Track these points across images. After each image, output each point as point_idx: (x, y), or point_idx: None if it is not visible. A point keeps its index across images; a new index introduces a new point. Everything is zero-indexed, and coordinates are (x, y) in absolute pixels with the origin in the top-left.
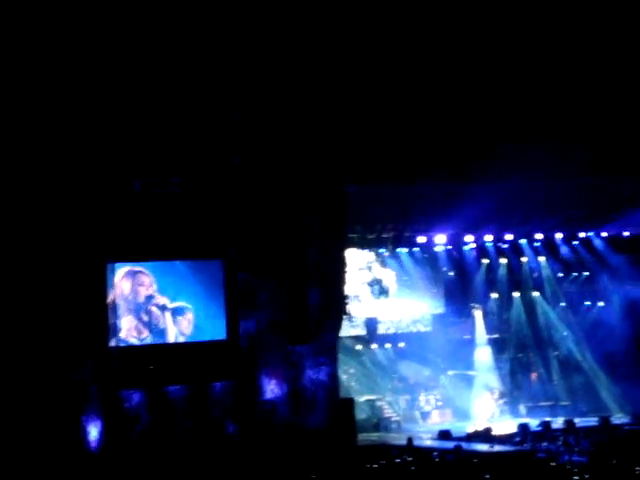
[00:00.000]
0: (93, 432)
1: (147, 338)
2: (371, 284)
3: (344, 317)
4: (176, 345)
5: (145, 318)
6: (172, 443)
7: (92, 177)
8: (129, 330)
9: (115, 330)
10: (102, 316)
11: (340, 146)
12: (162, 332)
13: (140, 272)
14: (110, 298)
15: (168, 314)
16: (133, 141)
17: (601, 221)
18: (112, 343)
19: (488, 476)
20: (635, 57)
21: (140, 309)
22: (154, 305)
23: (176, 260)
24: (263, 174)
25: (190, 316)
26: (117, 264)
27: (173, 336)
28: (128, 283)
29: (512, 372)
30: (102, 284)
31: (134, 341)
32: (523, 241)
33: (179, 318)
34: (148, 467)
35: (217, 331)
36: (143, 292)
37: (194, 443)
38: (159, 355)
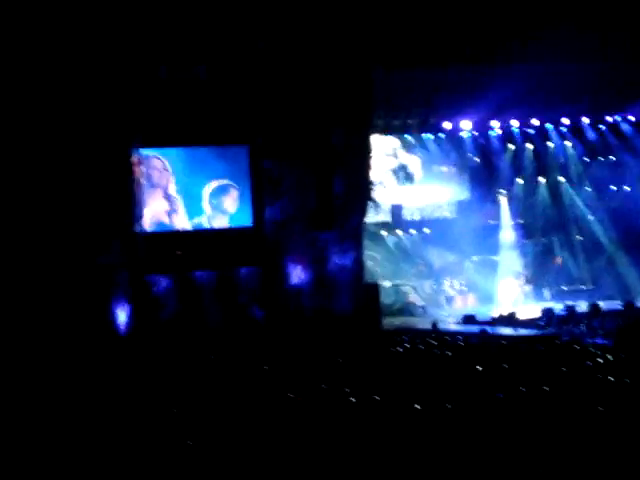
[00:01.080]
0: (121, 316)
1: (173, 224)
2: (396, 170)
3: (369, 203)
4: (202, 231)
5: (172, 204)
6: (199, 328)
7: (117, 63)
8: (154, 215)
9: (140, 215)
10: (128, 201)
11: (366, 30)
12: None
13: (158, 158)
14: (137, 182)
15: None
16: (158, 26)
17: (628, 105)
18: (137, 228)
19: (512, 359)
20: None
21: (167, 195)
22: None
23: (201, 146)
24: (288, 58)
25: (235, 194)
26: (142, 149)
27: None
28: (153, 168)
29: (536, 257)
30: (127, 169)
31: (161, 225)
32: (549, 126)
33: (223, 197)
34: (176, 351)
35: (243, 218)
36: (167, 178)
37: (221, 328)
38: (186, 241)
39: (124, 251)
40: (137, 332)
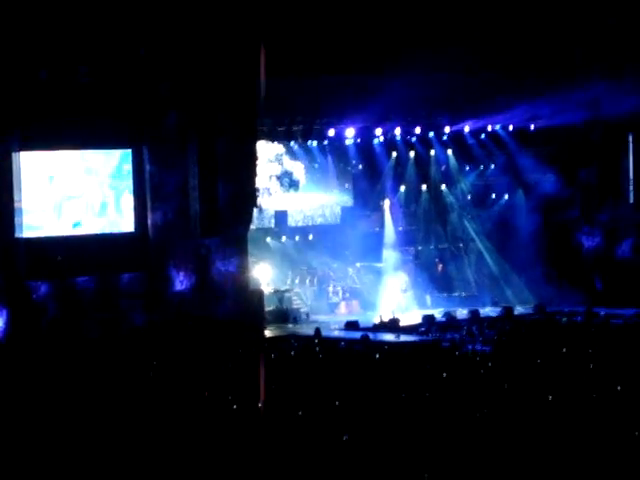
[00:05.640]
0: None
1: (55, 228)
2: (281, 177)
3: (254, 210)
4: (85, 236)
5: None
6: (80, 334)
7: None
8: (37, 219)
9: (22, 218)
10: (8, 205)
11: (251, 37)
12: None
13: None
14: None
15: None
16: (39, 29)
17: (508, 114)
18: (19, 232)
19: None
20: None
21: (51, 198)
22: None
23: (84, 150)
24: (171, 64)
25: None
26: (24, 153)
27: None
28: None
29: (419, 264)
30: (8, 172)
31: (41, 231)
32: (431, 134)
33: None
34: (55, 358)
35: (126, 222)
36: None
37: (102, 335)
38: (67, 246)
39: (3, 256)
40: (15, 339)
